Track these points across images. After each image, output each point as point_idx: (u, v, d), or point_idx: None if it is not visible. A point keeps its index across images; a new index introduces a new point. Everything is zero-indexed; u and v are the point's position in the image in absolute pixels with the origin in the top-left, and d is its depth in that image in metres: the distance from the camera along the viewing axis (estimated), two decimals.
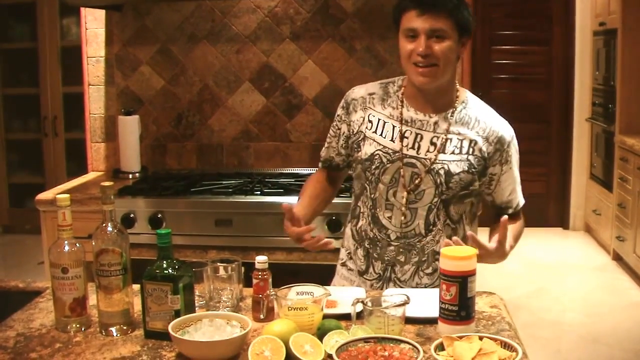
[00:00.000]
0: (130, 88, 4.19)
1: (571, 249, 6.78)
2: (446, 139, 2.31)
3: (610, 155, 6.27)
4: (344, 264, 2.51)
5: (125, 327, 1.97)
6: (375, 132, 2.37)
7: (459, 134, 2.32)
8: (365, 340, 1.77)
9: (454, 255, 1.88)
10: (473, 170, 2.31)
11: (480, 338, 1.76)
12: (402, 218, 2.33)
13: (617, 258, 6.21)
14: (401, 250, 2.35)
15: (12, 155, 7.40)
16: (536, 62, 7.29)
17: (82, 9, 4.16)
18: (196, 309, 2.01)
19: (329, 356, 1.74)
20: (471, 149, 2.31)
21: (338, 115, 2.48)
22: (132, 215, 3.46)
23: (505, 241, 2.15)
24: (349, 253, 2.48)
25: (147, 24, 4.12)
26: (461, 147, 2.31)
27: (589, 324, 4.98)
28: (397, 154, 2.32)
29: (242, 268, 2.18)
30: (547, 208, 7.46)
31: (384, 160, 2.33)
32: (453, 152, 2.30)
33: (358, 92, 2.46)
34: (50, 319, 2.05)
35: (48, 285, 2.21)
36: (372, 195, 2.37)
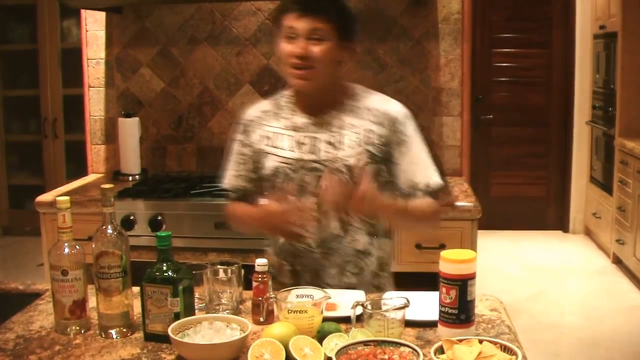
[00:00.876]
0: (130, 90, 4.19)
1: (571, 252, 6.78)
2: (342, 136, 2.30)
3: (610, 159, 6.27)
4: (274, 278, 2.42)
5: (124, 330, 1.97)
6: (274, 146, 2.35)
7: (353, 126, 2.30)
8: (365, 343, 1.77)
9: (454, 258, 1.88)
10: (376, 159, 2.29)
11: (480, 341, 1.76)
12: (317, 224, 2.29)
13: (617, 261, 6.21)
14: (323, 255, 2.34)
15: (12, 156, 7.40)
16: (536, 65, 7.29)
17: (83, 11, 4.17)
18: (196, 311, 2.01)
19: (329, 359, 1.74)
20: (368, 139, 2.29)
21: (239, 141, 2.44)
22: (132, 218, 3.46)
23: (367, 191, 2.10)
24: (275, 270, 2.42)
25: (147, 26, 4.13)
26: (358, 139, 2.29)
27: (589, 327, 4.98)
28: (298, 162, 2.30)
29: (242, 271, 2.18)
30: (547, 211, 7.46)
31: (288, 171, 2.31)
32: (351, 147, 2.28)
33: (252, 112, 2.43)
34: (50, 321, 2.05)
35: (48, 287, 2.21)
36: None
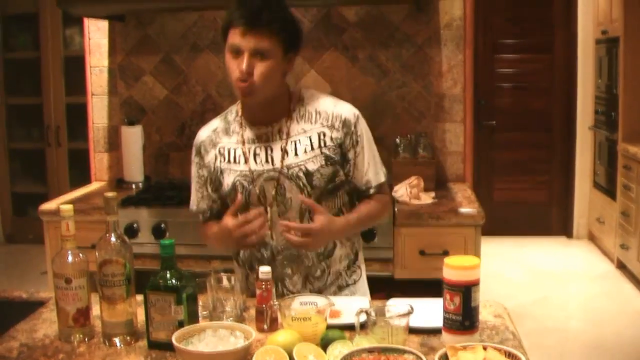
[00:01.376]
0: (133, 98, 4.19)
1: (574, 257, 6.77)
2: (294, 142, 2.31)
3: (613, 163, 6.26)
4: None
5: (128, 338, 1.97)
6: (228, 161, 2.36)
7: (305, 131, 2.31)
8: (369, 350, 1.76)
9: (458, 265, 1.88)
10: (331, 161, 2.30)
11: (485, 348, 1.76)
12: (275, 233, 2.31)
13: (621, 266, 6.20)
14: (285, 262, 2.35)
15: (15, 164, 7.41)
16: (538, 70, 7.29)
17: (85, 19, 4.18)
18: (200, 319, 2.01)
19: None
20: (322, 142, 2.31)
21: (196, 164, 2.46)
22: (135, 226, 3.46)
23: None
24: (241, 281, 2.42)
25: (149, 34, 4.13)
26: (311, 143, 2.30)
27: (593, 332, 4.97)
28: (255, 174, 2.31)
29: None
30: (550, 216, 7.45)
31: (245, 184, 2.31)
32: (305, 151, 2.29)
33: (203, 133, 2.46)
34: (54, 330, 2.05)
35: (51, 295, 2.21)
36: None
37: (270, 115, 2.33)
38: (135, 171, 4.05)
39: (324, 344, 1.84)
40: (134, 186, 4.02)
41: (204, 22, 4.09)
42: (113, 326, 1.97)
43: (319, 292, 2.35)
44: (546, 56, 7.25)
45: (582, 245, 7.15)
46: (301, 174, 2.28)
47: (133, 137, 4.04)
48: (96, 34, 4.18)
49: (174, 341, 1.79)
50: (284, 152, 2.31)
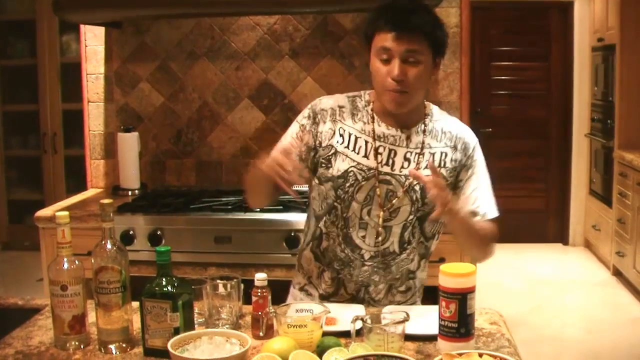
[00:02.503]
0: (129, 105, 4.19)
1: (571, 265, 6.77)
2: (419, 154, 2.28)
3: (610, 171, 6.27)
4: (302, 289, 2.45)
5: (124, 345, 1.97)
6: (347, 147, 2.28)
7: (430, 147, 2.29)
8: (365, 357, 1.76)
9: (454, 272, 1.88)
10: (447, 182, 2.24)
11: (480, 355, 1.76)
12: (377, 237, 2.28)
13: (617, 273, 6.20)
14: (375, 269, 2.31)
15: (11, 171, 7.40)
16: (535, 78, 7.31)
17: (82, 26, 4.18)
18: (195, 326, 2.00)
19: None
20: (442, 162, 2.29)
21: (302, 125, 2.33)
22: (131, 232, 3.46)
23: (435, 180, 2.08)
24: (310, 277, 2.42)
25: (146, 41, 4.13)
26: (433, 160, 2.27)
27: (589, 340, 4.97)
28: (372, 171, 2.26)
29: (242, 285, 2.18)
30: (547, 224, 7.46)
31: (359, 177, 2.26)
32: (426, 167, 2.23)
33: (327, 102, 2.35)
34: (50, 337, 2.05)
35: (47, 302, 2.20)
36: (344, 214, 2.29)
37: (404, 120, 2.29)
38: (131, 178, 4.05)
39: (320, 351, 1.84)
40: (130, 193, 4.01)
41: (200, 29, 4.09)
42: (109, 333, 1.96)
43: (398, 304, 2.32)
44: (542, 64, 7.28)
45: (579, 252, 7.16)
46: (417, 188, 2.25)
47: (129, 144, 4.04)
48: (93, 41, 4.18)
49: (169, 348, 1.79)
50: (407, 160, 2.28)
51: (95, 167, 4.27)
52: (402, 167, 2.27)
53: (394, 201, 2.26)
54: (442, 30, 2.23)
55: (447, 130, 2.32)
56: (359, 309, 2.19)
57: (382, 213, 2.26)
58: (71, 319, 1.97)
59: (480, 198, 2.33)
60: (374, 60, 2.22)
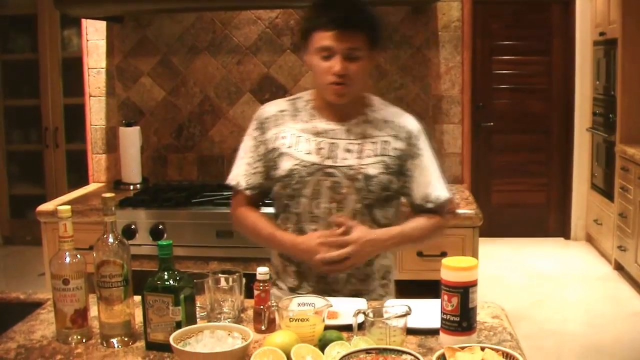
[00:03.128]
0: (131, 99, 4.19)
1: (572, 259, 6.77)
2: (360, 144, 2.34)
3: (611, 165, 6.27)
4: (274, 283, 2.48)
5: (126, 339, 1.97)
6: (290, 147, 2.36)
7: (371, 137, 2.36)
8: (367, 351, 1.76)
9: (455, 266, 1.88)
10: (390, 170, 2.34)
11: (482, 349, 1.75)
12: (326, 229, 2.31)
13: (619, 268, 6.20)
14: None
15: (13, 166, 7.41)
16: (536, 73, 7.30)
17: (83, 21, 4.17)
18: (197, 320, 2.01)
19: None
20: (385, 150, 2.35)
21: (253, 138, 2.44)
22: (133, 227, 3.46)
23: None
24: (277, 272, 2.47)
25: (147, 36, 4.13)
26: (375, 149, 2.34)
27: (591, 334, 4.97)
28: (315, 166, 2.33)
29: (244, 279, 2.18)
30: (548, 218, 7.46)
31: (304, 173, 2.33)
32: (368, 156, 2.33)
33: (269, 110, 2.44)
34: (51, 331, 2.05)
35: (49, 296, 2.20)
36: (296, 210, 2.36)
37: (343, 113, 2.37)
38: (133, 172, 4.05)
39: (322, 345, 1.84)
40: (131, 187, 4.01)
41: (202, 23, 4.08)
42: (111, 327, 1.96)
43: (359, 294, 2.35)
44: (544, 58, 7.27)
45: (580, 247, 7.15)
46: (360, 177, 2.31)
47: (131, 138, 4.04)
48: (94, 35, 4.18)
49: (171, 342, 1.79)
50: (348, 152, 2.34)
51: (97, 162, 4.27)
52: (345, 158, 2.33)
53: (339, 191, 2.32)
54: (380, 26, 2.32)
55: (390, 120, 2.40)
56: (361, 303, 2.19)
57: (329, 205, 2.33)
58: (73, 313, 1.97)
59: (430, 183, 2.40)
60: (314, 58, 2.29)
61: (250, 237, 2.49)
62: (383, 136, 2.36)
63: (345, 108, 2.36)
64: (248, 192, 2.45)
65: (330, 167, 2.32)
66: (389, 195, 2.37)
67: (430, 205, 2.39)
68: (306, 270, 2.38)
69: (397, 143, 2.36)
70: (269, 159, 2.40)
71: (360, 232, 2.25)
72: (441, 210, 2.43)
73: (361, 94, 2.41)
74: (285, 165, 2.35)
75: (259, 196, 2.49)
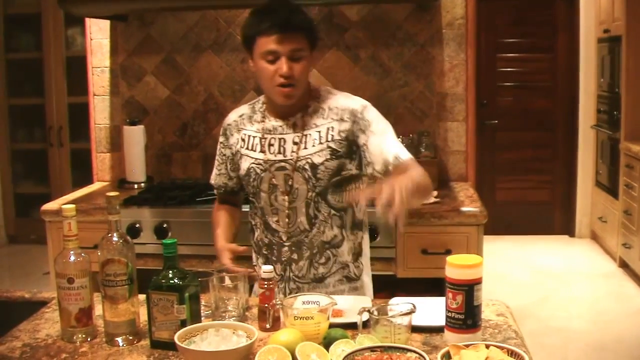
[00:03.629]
0: (135, 98, 4.20)
1: (577, 257, 6.76)
2: (305, 135, 2.44)
3: (616, 162, 6.26)
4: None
5: (131, 337, 1.97)
6: (247, 148, 2.52)
7: (316, 126, 2.44)
8: (372, 349, 1.76)
9: (460, 263, 1.88)
10: (337, 154, 2.41)
11: (487, 346, 1.75)
12: (287, 219, 2.46)
13: (624, 265, 6.19)
14: (293, 248, 2.48)
15: (17, 165, 7.42)
16: (541, 70, 7.28)
17: (87, 20, 4.18)
18: (202, 318, 2.01)
19: None
20: (330, 136, 2.42)
21: (220, 143, 2.63)
22: (137, 225, 3.47)
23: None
24: (255, 266, 2.59)
25: (151, 34, 4.13)
26: (319, 137, 2.42)
27: (596, 332, 4.97)
28: (267, 163, 2.46)
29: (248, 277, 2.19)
30: (553, 215, 7.45)
31: (258, 171, 2.47)
32: (313, 145, 2.42)
33: (231, 117, 2.61)
34: (56, 329, 2.05)
35: (54, 295, 2.21)
36: (259, 205, 2.52)
37: (288, 110, 2.46)
38: (137, 171, 4.05)
39: (327, 343, 1.84)
40: (136, 186, 4.02)
41: (205, 22, 4.09)
42: (115, 326, 1.97)
43: (323, 278, 2.48)
44: (548, 55, 7.25)
45: (585, 244, 7.14)
46: (307, 167, 2.42)
47: (135, 137, 4.04)
48: (98, 34, 4.18)
49: (176, 341, 1.79)
50: (295, 144, 2.43)
51: (101, 161, 4.28)
52: (293, 151, 2.44)
53: (290, 183, 2.44)
54: (314, 26, 2.45)
55: (334, 107, 2.46)
56: (366, 301, 2.19)
57: (284, 197, 2.45)
58: (78, 311, 1.98)
59: (386, 146, 2.38)
60: (260, 62, 2.37)
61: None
62: (327, 122, 2.43)
63: (292, 104, 2.44)
64: (216, 192, 2.74)
65: (281, 161, 2.44)
66: (340, 179, 2.44)
67: (391, 167, 2.32)
68: (273, 260, 2.51)
69: (342, 125, 2.42)
70: (234, 161, 2.58)
71: (387, 181, 2.08)
72: (406, 164, 2.33)
73: (307, 89, 2.48)
74: (244, 166, 2.52)
75: (229, 195, 2.71)
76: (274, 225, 2.49)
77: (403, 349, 1.76)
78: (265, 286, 2.07)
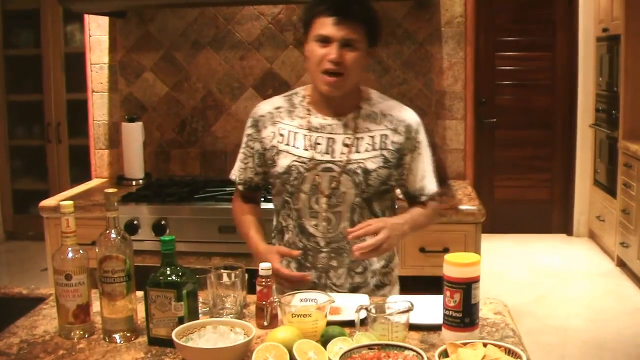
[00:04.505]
0: (133, 94, 4.19)
1: (575, 255, 6.77)
2: (357, 138, 2.36)
3: (614, 161, 6.26)
4: (277, 281, 2.48)
5: (128, 334, 1.97)
6: (287, 144, 2.39)
7: (369, 130, 2.37)
8: (369, 347, 1.77)
9: (458, 261, 1.88)
10: (389, 164, 2.37)
11: (485, 345, 1.76)
12: (326, 223, 2.36)
13: (621, 264, 6.20)
14: (332, 255, 2.39)
15: (16, 161, 7.41)
16: (540, 68, 7.28)
17: (86, 16, 4.17)
18: (200, 315, 2.01)
19: None
20: (383, 144, 2.37)
21: (249, 135, 2.50)
22: (135, 222, 3.46)
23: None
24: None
25: (150, 31, 4.13)
26: (373, 143, 2.36)
27: (594, 330, 4.97)
28: (312, 162, 2.35)
29: (246, 275, 2.18)
30: (551, 214, 7.45)
31: (301, 170, 2.35)
32: (367, 150, 2.35)
33: (264, 108, 2.47)
34: (54, 326, 2.05)
35: (52, 291, 2.21)
36: (296, 206, 2.39)
37: (339, 108, 2.38)
38: (135, 168, 4.05)
39: (324, 341, 1.85)
40: (134, 183, 4.02)
41: (204, 19, 4.08)
42: (113, 322, 1.97)
43: (359, 287, 2.41)
44: (547, 54, 7.25)
45: (583, 243, 7.15)
46: (359, 171, 2.34)
47: (133, 134, 4.04)
48: (97, 31, 4.18)
49: (174, 337, 1.79)
50: (346, 146, 2.35)
51: (100, 157, 4.28)
52: (342, 152, 2.35)
53: (337, 186, 2.34)
54: (377, 21, 2.34)
55: (388, 114, 2.40)
56: (363, 299, 2.19)
57: (327, 199, 2.35)
58: (75, 308, 1.98)
59: (425, 176, 2.45)
60: (311, 44, 2.29)
61: (238, 229, 2.59)
62: (381, 130, 2.37)
63: (341, 102, 2.36)
64: (241, 187, 2.58)
65: (328, 162, 2.35)
66: (386, 188, 2.41)
67: (423, 199, 2.46)
68: (307, 266, 2.40)
69: (396, 137, 2.37)
70: (266, 157, 2.44)
71: (381, 220, 2.29)
72: (432, 199, 2.50)
73: (357, 88, 2.41)
74: (283, 163, 2.38)
75: (252, 191, 2.59)
76: (311, 230, 2.38)
77: (400, 346, 1.76)
78: (263, 283, 2.07)
